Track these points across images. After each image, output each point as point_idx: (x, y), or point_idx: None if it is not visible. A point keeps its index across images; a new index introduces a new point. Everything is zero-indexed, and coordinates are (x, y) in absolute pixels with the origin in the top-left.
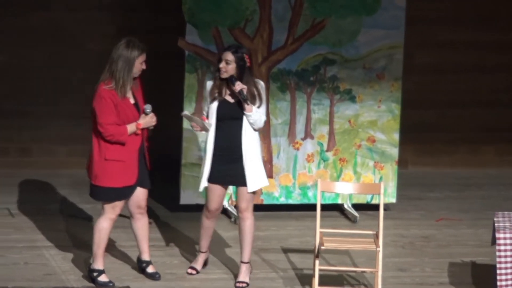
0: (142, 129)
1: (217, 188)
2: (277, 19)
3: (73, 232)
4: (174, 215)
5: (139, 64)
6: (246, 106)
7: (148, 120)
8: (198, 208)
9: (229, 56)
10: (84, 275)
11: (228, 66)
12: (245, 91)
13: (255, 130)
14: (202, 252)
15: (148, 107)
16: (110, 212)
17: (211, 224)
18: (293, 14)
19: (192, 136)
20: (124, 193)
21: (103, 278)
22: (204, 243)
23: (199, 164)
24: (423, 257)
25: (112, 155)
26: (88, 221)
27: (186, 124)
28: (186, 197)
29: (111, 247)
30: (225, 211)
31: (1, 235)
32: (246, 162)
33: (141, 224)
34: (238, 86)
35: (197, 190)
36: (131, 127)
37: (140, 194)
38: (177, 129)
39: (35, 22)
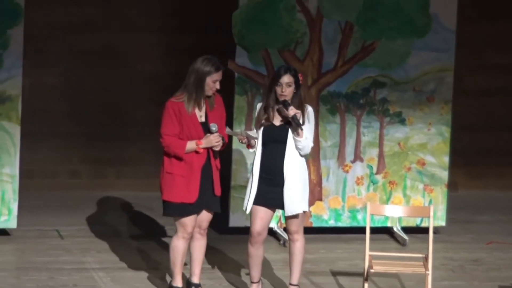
0: (209, 150)
1: (260, 210)
2: (327, 42)
3: (122, 254)
4: (222, 238)
5: (211, 82)
6: (299, 131)
7: (210, 139)
8: (247, 231)
9: (289, 78)
10: None
11: (289, 88)
12: (298, 116)
13: (301, 155)
14: (254, 283)
15: (213, 126)
16: (181, 230)
17: (257, 251)
18: (343, 36)
19: (241, 158)
20: (187, 210)
21: None
22: (255, 273)
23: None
24: (472, 281)
25: (173, 169)
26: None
27: (235, 145)
28: (235, 220)
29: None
30: (274, 234)
31: (50, 257)
32: (286, 186)
33: (199, 245)
34: (292, 110)
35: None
36: (190, 144)
37: (204, 216)
38: (227, 151)
39: (87, 44)
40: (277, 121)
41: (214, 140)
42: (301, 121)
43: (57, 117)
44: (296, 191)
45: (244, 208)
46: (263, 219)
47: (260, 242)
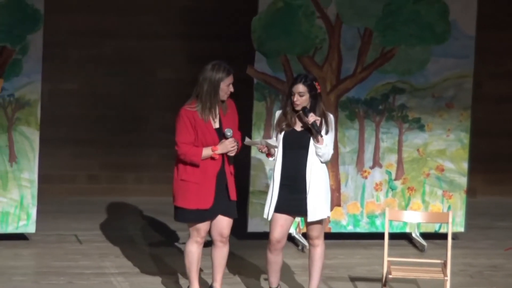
0: (223, 155)
1: (281, 218)
2: (346, 48)
3: (140, 259)
4: (241, 243)
5: (225, 87)
6: (319, 138)
7: (226, 145)
8: (266, 236)
9: (302, 88)
10: None
11: (302, 98)
12: (318, 123)
13: (321, 162)
14: None
15: (228, 131)
16: (195, 235)
17: (276, 258)
18: (362, 42)
19: (260, 164)
20: (201, 216)
21: None
22: (273, 279)
23: (266, 192)
24: (491, 287)
25: (188, 176)
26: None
27: (254, 152)
28: (253, 225)
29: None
30: (292, 239)
31: (69, 262)
32: (309, 192)
33: (220, 253)
34: (312, 117)
35: (265, 218)
36: (206, 151)
37: (224, 222)
38: (245, 157)
39: (105, 50)
40: (298, 126)
41: (229, 145)
42: (320, 128)
43: (76, 123)
44: (319, 197)
45: (265, 216)
46: (283, 226)
47: (279, 249)
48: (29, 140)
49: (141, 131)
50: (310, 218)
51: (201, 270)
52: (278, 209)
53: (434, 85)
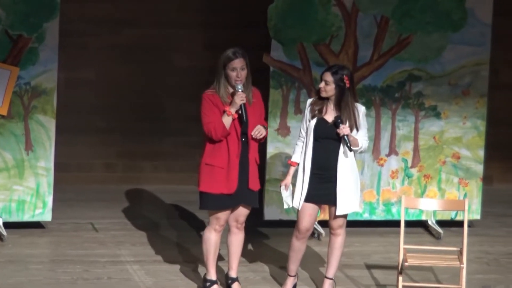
0: (247, 142)
1: (310, 207)
2: (362, 35)
3: (156, 247)
4: (257, 231)
5: (229, 72)
6: (350, 149)
7: (234, 99)
8: (282, 224)
9: (328, 77)
10: None
11: (327, 86)
12: (350, 138)
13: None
14: (291, 276)
15: (238, 85)
16: (214, 223)
17: (301, 246)
18: (378, 30)
19: (276, 152)
20: (223, 202)
21: None
22: (293, 267)
23: (281, 180)
24: (508, 274)
25: (213, 160)
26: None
27: (270, 140)
28: (269, 213)
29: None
30: None
31: (85, 250)
32: (340, 184)
33: (236, 239)
34: (343, 129)
35: (281, 206)
36: (224, 118)
37: (242, 210)
38: (261, 145)
39: (122, 39)
40: (329, 117)
41: (237, 99)
42: (350, 141)
43: (92, 111)
44: (349, 190)
45: (295, 205)
46: (312, 215)
47: (307, 237)
48: (45, 129)
49: (158, 120)
50: (339, 212)
51: (221, 258)
52: (307, 199)
53: (451, 72)
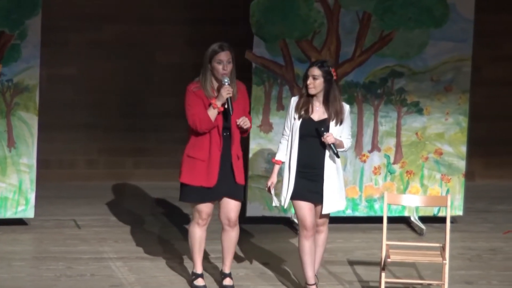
0: (231, 136)
1: (306, 204)
2: (344, 32)
3: (139, 243)
4: (240, 227)
5: (216, 64)
6: (337, 155)
7: (221, 93)
8: (264, 220)
9: (316, 71)
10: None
11: (316, 81)
12: (335, 147)
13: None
14: (311, 285)
15: (225, 78)
16: (196, 216)
17: (312, 245)
18: (360, 26)
19: (258, 148)
20: (204, 195)
21: (198, 282)
22: (311, 273)
23: (265, 177)
24: (490, 270)
25: (193, 152)
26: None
27: (252, 136)
28: (252, 209)
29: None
30: (290, 223)
31: (67, 247)
32: (326, 183)
33: (227, 236)
34: (327, 138)
35: (264, 202)
36: (209, 110)
37: (230, 205)
38: (244, 141)
39: (104, 35)
40: (315, 116)
41: (224, 92)
42: (337, 149)
43: (75, 108)
44: (334, 189)
45: (282, 203)
46: (312, 210)
47: (314, 234)
48: (28, 125)
49: (140, 116)
50: (325, 210)
51: (207, 254)
52: (295, 197)
53: (433, 68)
